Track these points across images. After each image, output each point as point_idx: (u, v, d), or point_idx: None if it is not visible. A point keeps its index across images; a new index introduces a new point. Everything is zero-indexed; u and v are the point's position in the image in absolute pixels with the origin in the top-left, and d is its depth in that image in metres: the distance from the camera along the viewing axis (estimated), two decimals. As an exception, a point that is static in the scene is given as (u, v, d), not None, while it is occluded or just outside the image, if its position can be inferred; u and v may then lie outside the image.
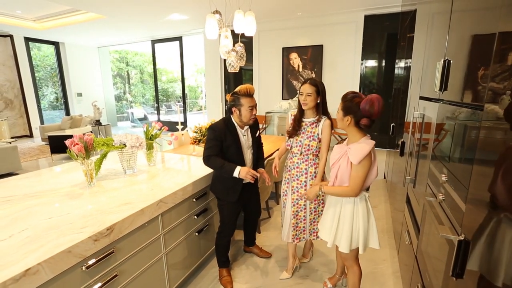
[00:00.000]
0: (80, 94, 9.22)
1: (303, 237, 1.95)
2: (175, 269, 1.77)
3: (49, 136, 5.19)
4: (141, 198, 1.55)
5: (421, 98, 1.77)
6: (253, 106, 1.77)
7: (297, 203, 1.89)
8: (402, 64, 3.35)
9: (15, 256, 1.01)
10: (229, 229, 1.92)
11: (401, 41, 3.67)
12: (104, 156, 1.85)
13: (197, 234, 1.94)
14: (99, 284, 1.22)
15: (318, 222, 1.88)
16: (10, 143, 4.85)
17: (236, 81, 7.17)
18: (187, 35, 7.59)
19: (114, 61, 12.56)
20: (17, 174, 4.31)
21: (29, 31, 7.19)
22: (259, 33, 6.25)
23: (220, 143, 1.79)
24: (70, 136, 1.72)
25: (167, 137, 2.71)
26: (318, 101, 1.78)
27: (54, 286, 1.04)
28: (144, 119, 11.84)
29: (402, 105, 2.84)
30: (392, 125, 3.34)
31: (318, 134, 1.82)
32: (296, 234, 1.94)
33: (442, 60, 1.19)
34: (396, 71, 4.25)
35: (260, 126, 6.44)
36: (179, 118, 3.12)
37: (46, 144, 6.67)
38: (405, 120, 2.50)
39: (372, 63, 5.61)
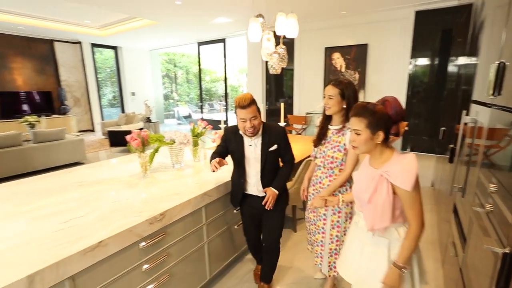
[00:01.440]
0: (133, 94, 10.15)
1: (320, 263, 1.74)
2: (215, 258, 1.91)
3: (108, 131, 5.84)
4: (188, 190, 1.72)
5: (473, 101, 1.65)
6: (246, 119, 1.54)
7: (315, 224, 1.74)
8: (457, 62, 3.09)
9: (89, 231, 1.22)
10: (246, 234, 1.92)
11: (456, 38, 3.39)
12: (156, 150, 2.07)
13: (236, 227, 2.07)
14: (149, 265, 1.40)
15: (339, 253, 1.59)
16: (78, 136, 5.57)
17: (277, 81, 7.24)
18: (230, 37, 7.88)
19: (163, 63, 13.53)
20: (83, 163, 4.93)
21: (94, 38, 8.15)
22: (301, 33, 6.17)
23: (225, 145, 1.79)
24: (127, 132, 1.96)
25: (210, 135, 2.89)
26: (344, 106, 1.52)
27: (118, 259, 1.24)
28: (188, 117, 12.56)
29: (455, 107, 2.64)
30: (442, 129, 3.11)
31: (344, 145, 1.55)
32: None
33: (497, 62, 1.12)
34: (450, 69, 3.92)
35: (300, 126, 6.39)
36: (222, 116, 3.30)
37: (105, 138, 7.49)
38: (457, 124, 2.32)
39: (423, 61, 5.23)
